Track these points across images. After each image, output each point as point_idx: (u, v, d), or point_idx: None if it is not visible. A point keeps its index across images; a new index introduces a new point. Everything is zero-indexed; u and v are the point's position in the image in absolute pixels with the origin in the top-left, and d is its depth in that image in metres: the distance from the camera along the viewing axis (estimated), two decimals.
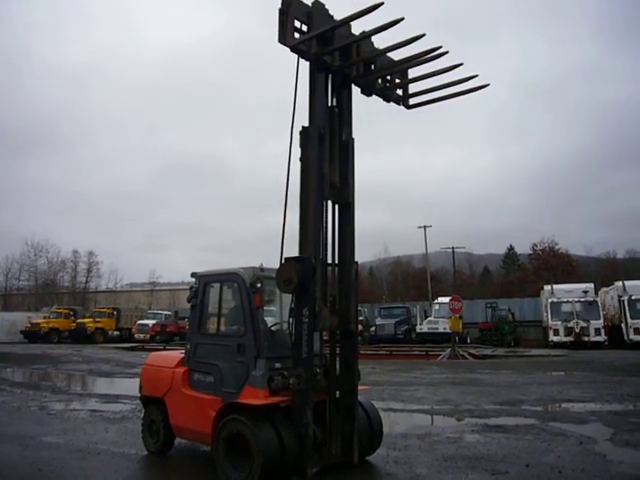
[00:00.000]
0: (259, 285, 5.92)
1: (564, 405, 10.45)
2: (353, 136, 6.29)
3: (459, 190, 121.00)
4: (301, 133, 5.81)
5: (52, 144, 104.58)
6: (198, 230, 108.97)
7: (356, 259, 6.20)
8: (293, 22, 5.62)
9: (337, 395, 5.96)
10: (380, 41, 5.91)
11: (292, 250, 5.74)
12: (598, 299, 28.52)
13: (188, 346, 6.69)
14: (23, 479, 5.84)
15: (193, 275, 6.89)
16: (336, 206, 6.14)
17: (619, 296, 27.60)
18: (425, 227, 50.74)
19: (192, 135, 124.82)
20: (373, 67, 6.39)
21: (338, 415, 5.86)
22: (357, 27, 5.79)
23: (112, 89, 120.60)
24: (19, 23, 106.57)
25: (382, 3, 4.81)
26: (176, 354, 7.13)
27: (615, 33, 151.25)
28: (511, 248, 71.33)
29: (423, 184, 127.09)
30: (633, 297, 26.43)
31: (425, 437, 7.61)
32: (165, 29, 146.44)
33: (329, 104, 6.15)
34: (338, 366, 6.04)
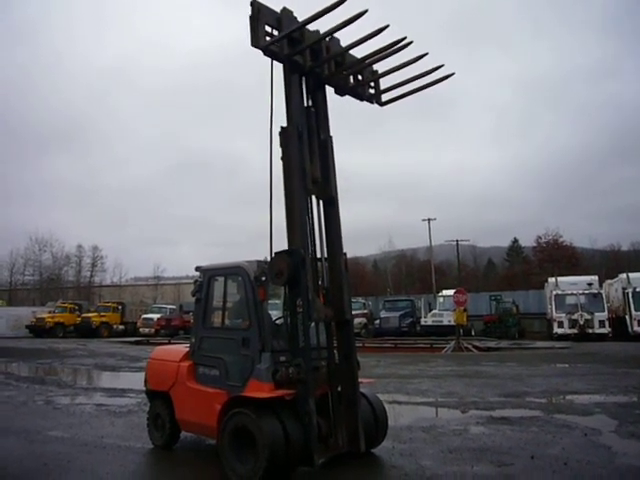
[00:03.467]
0: (263, 278, 5.92)
1: (569, 397, 10.45)
2: (331, 134, 6.51)
3: (465, 184, 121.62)
4: (280, 133, 6.00)
5: (68, 144, 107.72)
6: (207, 226, 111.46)
7: (353, 252, 6.36)
8: (264, 26, 5.80)
9: (339, 386, 6.00)
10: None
11: (282, 247, 5.88)
12: (602, 291, 28.41)
13: (193, 340, 6.71)
14: (29, 473, 5.88)
15: (197, 269, 6.91)
16: (320, 202, 6.31)
17: (623, 288, 27.47)
18: (429, 220, 50.84)
19: (207, 134, 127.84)
20: (343, 65, 6.50)
21: (341, 405, 5.90)
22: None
23: (133, 93, 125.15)
24: (40, 26, 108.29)
25: (344, 0, 4.93)
26: (181, 348, 7.15)
27: (620, 33, 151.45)
28: (515, 241, 71.15)
29: (429, 178, 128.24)
30: (637, 289, 26.28)
31: (430, 429, 7.62)
32: (189, 34, 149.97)
33: (305, 105, 6.34)
34: (338, 357, 6.10)
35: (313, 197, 6.26)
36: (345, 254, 6.32)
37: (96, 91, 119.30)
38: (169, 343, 22.42)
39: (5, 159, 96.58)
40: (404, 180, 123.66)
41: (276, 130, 6.03)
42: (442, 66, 6.24)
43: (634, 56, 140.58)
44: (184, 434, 6.99)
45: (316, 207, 6.29)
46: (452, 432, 7.45)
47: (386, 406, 6.71)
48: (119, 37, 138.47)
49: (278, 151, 6.02)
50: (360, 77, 6.77)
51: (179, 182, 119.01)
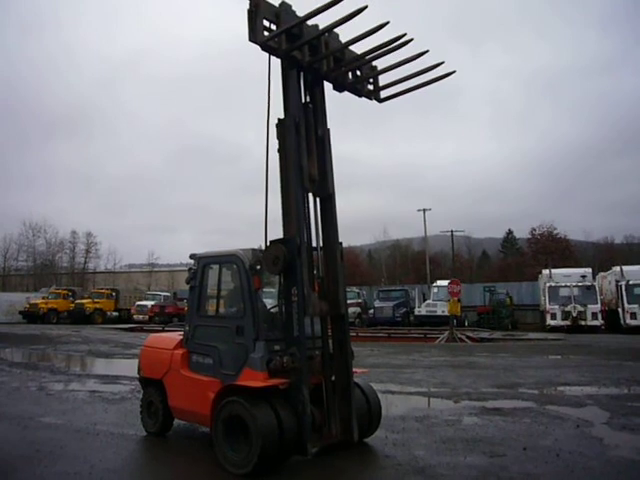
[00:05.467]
0: (258, 267, 5.90)
1: (561, 388, 10.50)
2: (329, 127, 6.47)
3: (461, 175, 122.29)
4: (277, 125, 5.98)
5: (73, 132, 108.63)
6: (207, 213, 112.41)
7: (348, 242, 6.56)
8: (262, 21, 5.72)
9: (333, 376, 6.01)
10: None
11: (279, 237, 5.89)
12: (596, 284, 28.56)
13: (187, 328, 6.68)
14: (22, 459, 5.84)
15: (192, 256, 6.86)
16: (317, 199, 6.29)
17: (617, 281, 27.63)
18: (424, 210, 50.74)
19: (211, 122, 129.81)
20: (342, 61, 6.44)
21: (335, 395, 5.92)
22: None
23: (141, 82, 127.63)
24: (48, 16, 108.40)
25: None
26: (175, 336, 7.12)
27: (618, 29, 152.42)
28: (510, 232, 71.35)
29: (425, 170, 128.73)
30: (630, 282, 26.48)
31: (423, 419, 7.64)
32: (197, 25, 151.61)
33: (303, 101, 6.29)
34: (332, 347, 6.11)
35: (309, 194, 6.21)
36: (341, 243, 6.32)
37: (103, 80, 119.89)
38: (163, 330, 22.41)
39: (7, 146, 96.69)
40: (400, 170, 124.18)
41: (274, 122, 6.00)
42: (442, 63, 6.16)
43: (631, 52, 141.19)
44: (177, 422, 6.98)
45: (312, 204, 6.25)
46: (445, 422, 7.47)
47: (379, 396, 6.72)
48: (128, 27, 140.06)
49: (275, 143, 5.98)
50: (359, 73, 6.72)
51: (181, 170, 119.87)
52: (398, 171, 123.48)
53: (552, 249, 55.70)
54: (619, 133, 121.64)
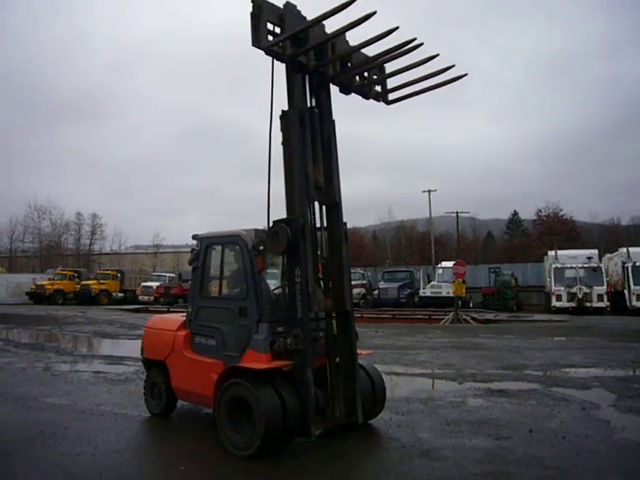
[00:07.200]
0: (261, 248, 5.82)
1: (567, 370, 10.45)
2: (336, 135, 6.30)
3: (466, 156, 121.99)
4: (281, 117, 5.84)
5: (84, 117, 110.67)
6: (214, 195, 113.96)
7: (353, 223, 6.41)
8: (266, 25, 5.56)
9: (337, 358, 5.97)
10: (359, 39, 5.73)
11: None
12: (602, 265, 28.37)
13: (190, 309, 6.63)
14: (26, 440, 5.83)
15: (194, 237, 6.79)
16: (323, 207, 6.18)
17: (623, 262, 27.44)
18: (429, 191, 50.57)
19: (221, 104, 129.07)
20: (349, 65, 6.29)
21: (339, 377, 5.88)
22: (334, 27, 5.60)
23: (153, 66, 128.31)
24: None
25: (354, 0, 4.68)
26: (178, 317, 7.07)
27: (622, 14, 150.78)
28: (515, 213, 71.01)
29: (431, 150, 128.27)
30: (637, 264, 26.27)
31: (428, 401, 7.61)
32: (213, 7, 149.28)
33: (308, 105, 6.14)
34: (336, 328, 6.05)
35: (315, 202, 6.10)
36: (345, 224, 6.22)
37: (115, 63, 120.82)
38: (168, 311, 22.45)
39: (16, 129, 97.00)
40: (405, 151, 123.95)
41: (277, 120, 5.87)
42: (453, 66, 5.99)
43: (630, 36, 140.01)
44: (181, 403, 6.96)
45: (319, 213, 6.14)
46: (450, 404, 7.43)
47: (384, 377, 6.68)
48: (141, 11, 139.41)
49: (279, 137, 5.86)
50: (366, 75, 6.57)
51: (188, 152, 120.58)
52: (403, 152, 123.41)
53: (558, 230, 55.39)
54: (624, 112, 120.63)
